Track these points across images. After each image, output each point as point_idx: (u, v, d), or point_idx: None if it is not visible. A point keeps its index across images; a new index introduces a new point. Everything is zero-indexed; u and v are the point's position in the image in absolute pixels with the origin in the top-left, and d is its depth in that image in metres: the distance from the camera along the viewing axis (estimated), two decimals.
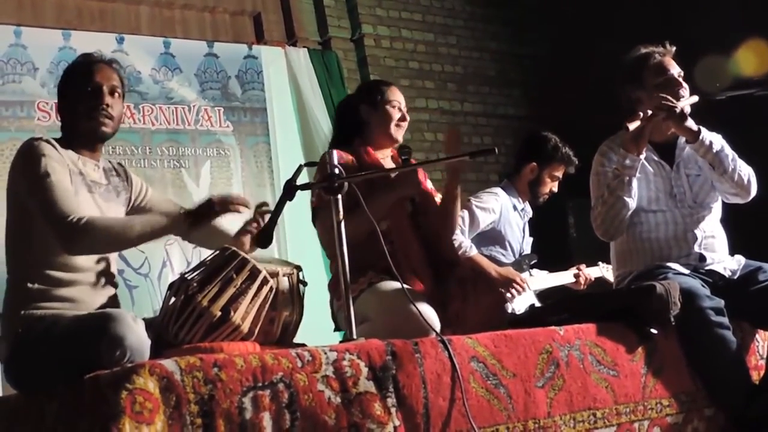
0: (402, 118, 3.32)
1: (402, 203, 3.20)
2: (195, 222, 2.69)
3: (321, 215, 3.13)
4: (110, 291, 2.74)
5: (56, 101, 2.86)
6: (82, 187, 2.68)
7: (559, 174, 4.33)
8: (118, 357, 2.23)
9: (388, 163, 3.30)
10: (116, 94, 2.80)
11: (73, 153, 2.73)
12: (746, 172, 3.29)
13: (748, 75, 4.94)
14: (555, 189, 4.37)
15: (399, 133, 3.32)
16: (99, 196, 2.74)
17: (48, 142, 2.67)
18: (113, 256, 2.81)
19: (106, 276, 2.72)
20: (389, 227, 3.00)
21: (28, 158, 2.63)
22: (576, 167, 4.29)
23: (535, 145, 4.33)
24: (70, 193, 2.59)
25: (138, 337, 2.29)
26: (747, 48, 5.30)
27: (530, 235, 4.39)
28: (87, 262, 2.64)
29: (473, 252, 3.91)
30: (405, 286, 2.76)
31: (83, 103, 2.75)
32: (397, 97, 3.34)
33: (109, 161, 2.93)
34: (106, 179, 2.83)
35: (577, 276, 4.34)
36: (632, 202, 3.27)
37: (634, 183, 3.25)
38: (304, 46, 6.43)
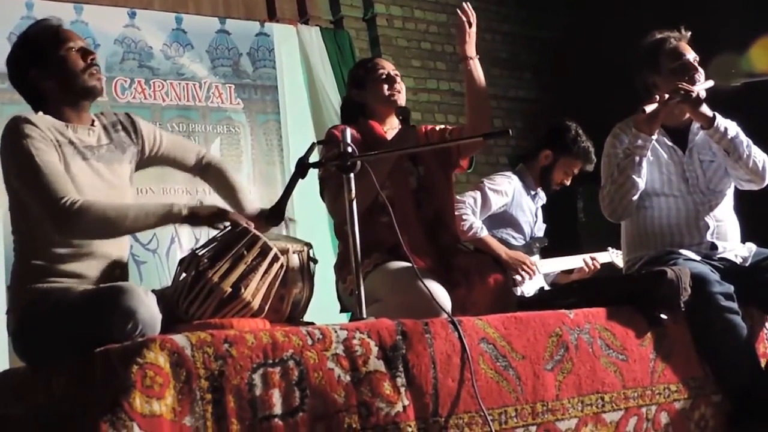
0: (391, 81, 3.31)
1: (406, 177, 3.20)
2: (193, 223, 2.60)
3: (328, 185, 3.14)
4: (118, 265, 2.70)
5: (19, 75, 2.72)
6: (75, 157, 2.61)
7: (575, 170, 4.30)
8: (129, 330, 2.22)
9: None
10: None
11: (60, 122, 2.65)
12: (761, 158, 3.29)
13: (760, 71, 4.93)
14: (567, 182, 4.35)
15: (396, 96, 3.30)
16: (97, 161, 2.67)
17: (30, 121, 2.57)
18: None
19: (114, 250, 2.68)
20: (390, 198, 2.90)
21: (13, 140, 2.55)
22: (593, 164, 4.24)
23: (554, 133, 4.31)
24: (61, 173, 2.53)
25: (149, 311, 2.28)
26: (760, 44, 5.27)
27: (542, 221, 4.37)
28: None
29: (484, 233, 3.91)
30: (415, 266, 2.75)
31: (74, 63, 2.68)
32: (381, 66, 3.36)
33: (114, 114, 2.85)
34: (108, 137, 2.75)
35: (587, 261, 4.33)
36: (641, 183, 3.26)
37: (644, 163, 3.24)
38: (316, 25, 6.40)
